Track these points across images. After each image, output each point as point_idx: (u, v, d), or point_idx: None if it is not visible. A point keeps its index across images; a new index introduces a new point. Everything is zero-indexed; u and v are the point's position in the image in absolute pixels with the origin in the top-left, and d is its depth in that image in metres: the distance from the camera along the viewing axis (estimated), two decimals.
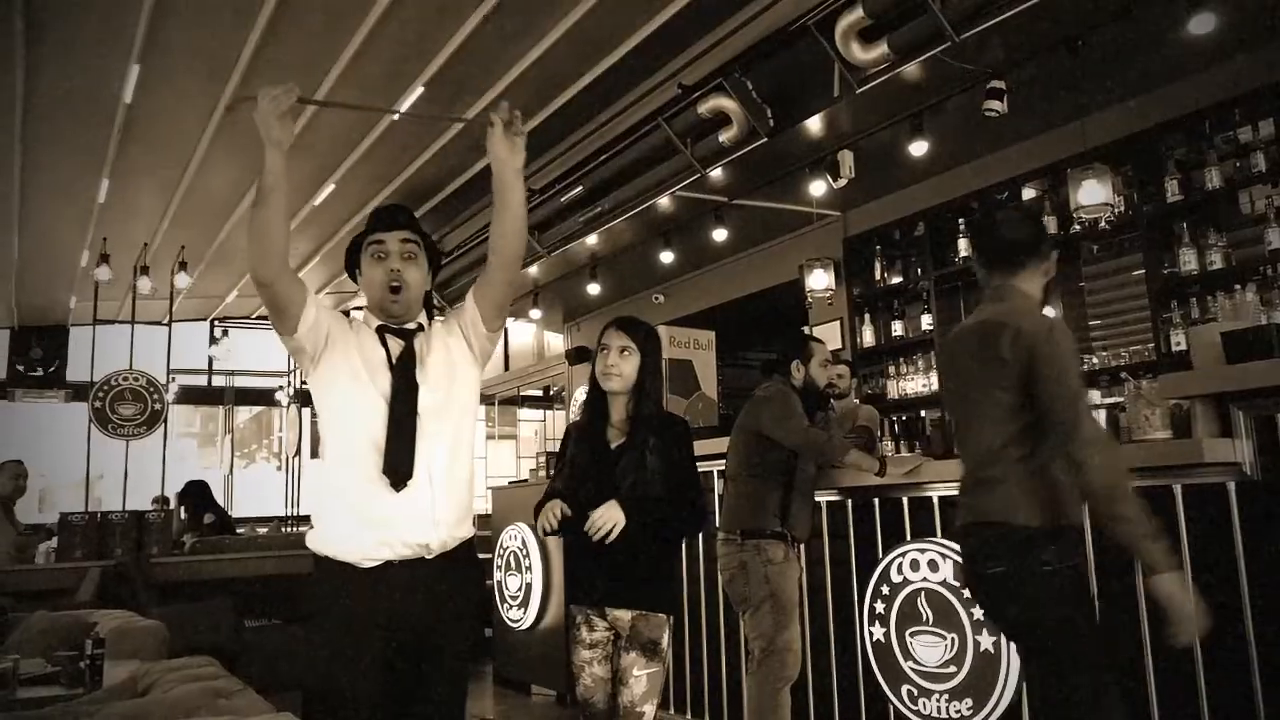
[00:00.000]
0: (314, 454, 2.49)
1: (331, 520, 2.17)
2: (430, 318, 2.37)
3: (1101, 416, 3.24)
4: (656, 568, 2.67)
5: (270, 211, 2.04)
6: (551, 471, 5.73)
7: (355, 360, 2.19)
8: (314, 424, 2.41)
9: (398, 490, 2.10)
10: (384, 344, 2.23)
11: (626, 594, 2.63)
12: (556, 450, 2.99)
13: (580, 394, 9.08)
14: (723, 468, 3.84)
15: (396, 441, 2.12)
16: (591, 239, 6.63)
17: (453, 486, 2.20)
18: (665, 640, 2.62)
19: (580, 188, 6.20)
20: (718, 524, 3.68)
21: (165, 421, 7.71)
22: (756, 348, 8.56)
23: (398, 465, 2.11)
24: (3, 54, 5.07)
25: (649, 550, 2.61)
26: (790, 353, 3.74)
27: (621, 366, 2.68)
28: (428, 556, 2.14)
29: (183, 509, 7.02)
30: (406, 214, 2.34)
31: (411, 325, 2.28)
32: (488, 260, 2.27)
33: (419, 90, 5.71)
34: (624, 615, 2.62)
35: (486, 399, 12.41)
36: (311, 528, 2.21)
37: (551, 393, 11.95)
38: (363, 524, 2.11)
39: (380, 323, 2.27)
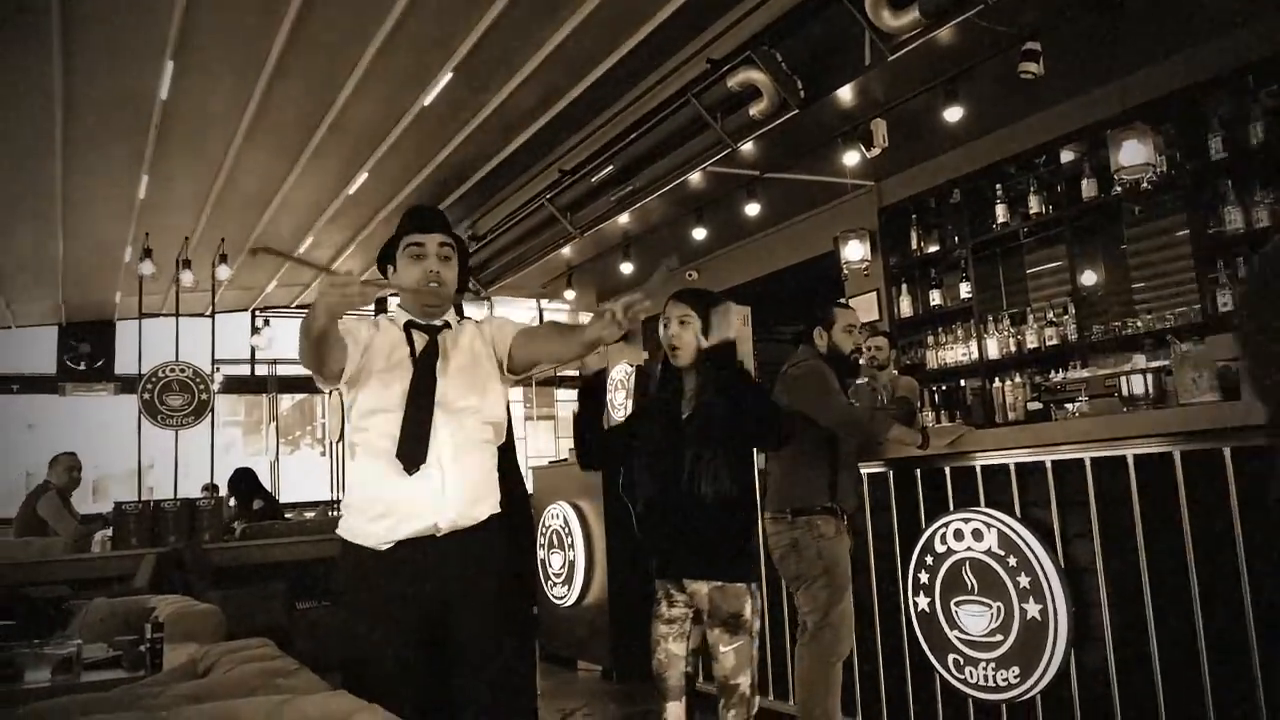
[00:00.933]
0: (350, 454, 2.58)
1: (353, 508, 2.31)
2: (461, 316, 2.54)
3: (1148, 380, 3.19)
4: (732, 536, 2.65)
5: (324, 348, 2.18)
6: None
7: (379, 364, 2.31)
8: (343, 425, 2.55)
9: (410, 474, 2.22)
10: (410, 340, 2.36)
11: (702, 564, 2.63)
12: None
13: (616, 372, 9.11)
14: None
15: (412, 427, 2.24)
16: (624, 218, 6.62)
17: (466, 470, 2.30)
18: (748, 611, 2.61)
19: (611, 167, 6.19)
20: (764, 503, 3.59)
21: (212, 411, 7.87)
22: (793, 322, 8.50)
23: (411, 451, 2.22)
24: (40, 56, 5.17)
25: (723, 519, 2.61)
26: (813, 320, 3.66)
27: (682, 336, 2.72)
28: (437, 535, 2.24)
29: (232, 497, 7.19)
30: (442, 218, 2.48)
31: (438, 322, 2.42)
32: (545, 337, 2.46)
33: (448, 76, 5.73)
34: (701, 589, 2.63)
35: (524, 380, 12.51)
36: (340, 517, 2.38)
37: (584, 374, 11.99)
38: (377, 507, 2.24)
39: (409, 318, 2.40)
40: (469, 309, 2.54)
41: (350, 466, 2.38)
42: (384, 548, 2.23)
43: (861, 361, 3.95)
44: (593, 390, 2.90)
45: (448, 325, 2.42)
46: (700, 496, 2.58)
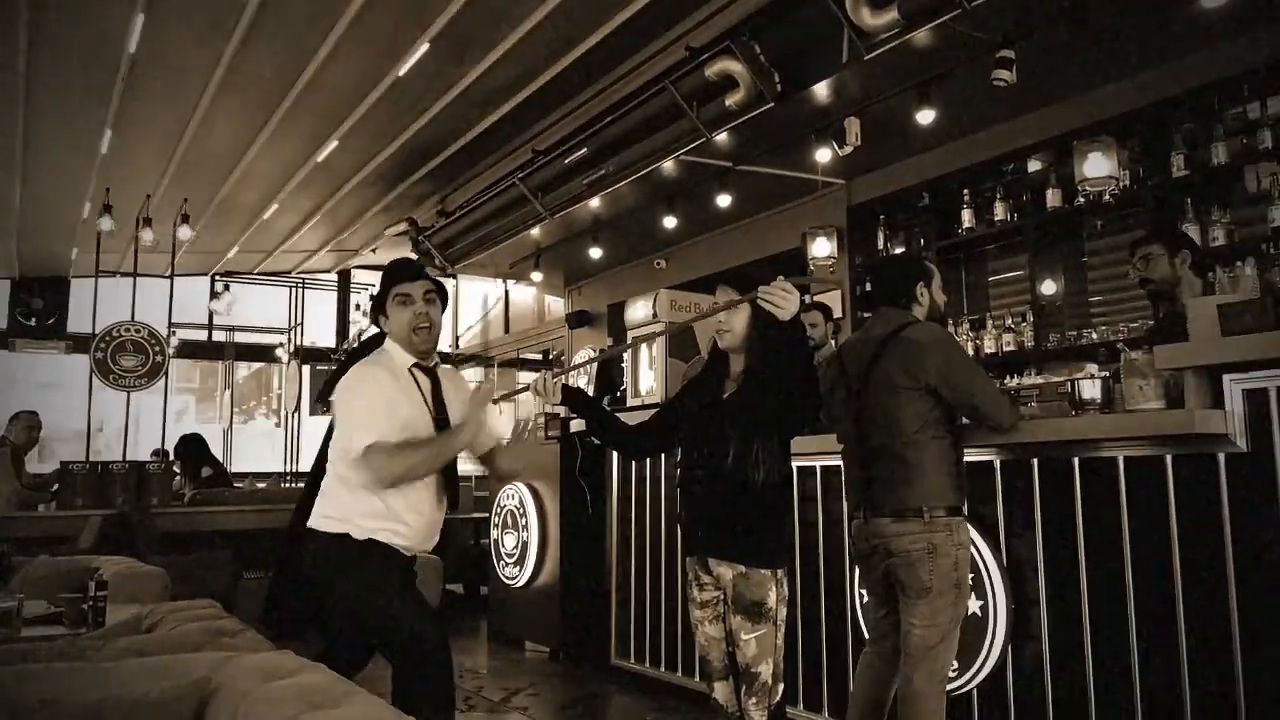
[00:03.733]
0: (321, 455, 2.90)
1: (394, 519, 2.70)
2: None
3: (1097, 387, 3.25)
4: (759, 519, 2.65)
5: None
6: (550, 433, 5.80)
7: (405, 413, 2.70)
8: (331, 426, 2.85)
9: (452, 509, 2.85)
10: (417, 382, 2.76)
11: (727, 545, 2.65)
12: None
13: (579, 356, 9.11)
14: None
15: (450, 471, 2.80)
16: (594, 202, 6.62)
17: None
18: (771, 599, 2.61)
19: (585, 149, 6.18)
20: (870, 501, 2.97)
21: (166, 374, 7.75)
22: None
23: (453, 496, 2.82)
24: (7, 2, 5.04)
25: (752, 501, 2.62)
26: (912, 276, 3.14)
27: (731, 321, 2.73)
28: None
29: (179, 462, 7.08)
30: (422, 266, 2.94)
31: (431, 363, 2.83)
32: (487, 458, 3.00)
33: (424, 46, 5.68)
34: (726, 574, 2.64)
35: (486, 360, 12.45)
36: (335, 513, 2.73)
37: (551, 356, 11.98)
38: (421, 524, 2.76)
39: (411, 361, 2.78)
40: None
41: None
42: (408, 553, 2.75)
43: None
44: (585, 408, 2.99)
45: (437, 364, 2.85)
46: (731, 476, 2.61)
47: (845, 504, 3.43)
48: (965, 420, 3.01)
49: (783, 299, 2.52)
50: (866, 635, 3.25)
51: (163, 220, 8.36)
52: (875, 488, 2.95)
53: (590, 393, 8.09)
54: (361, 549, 2.64)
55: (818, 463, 3.94)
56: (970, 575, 3.00)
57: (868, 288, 6.66)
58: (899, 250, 6.50)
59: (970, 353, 5.91)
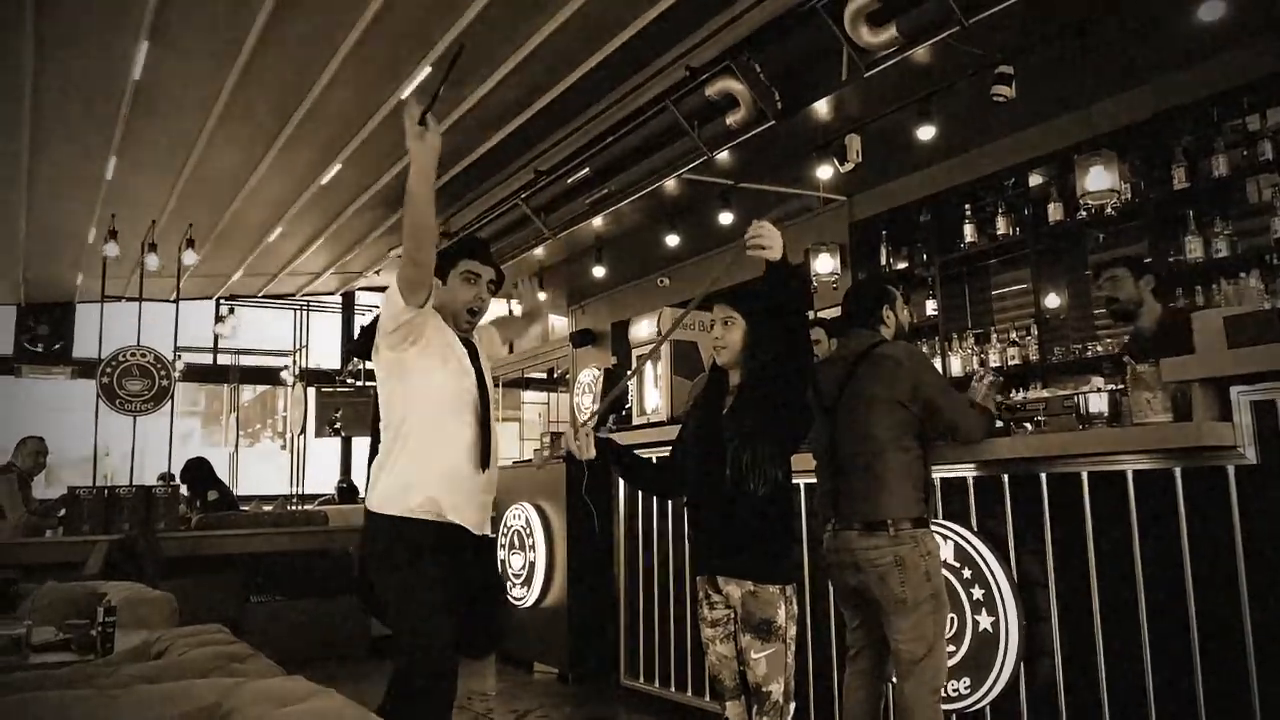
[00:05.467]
0: (374, 432, 2.78)
1: (422, 490, 2.66)
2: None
3: (1104, 400, 3.25)
4: (762, 533, 2.64)
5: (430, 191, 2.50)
6: (556, 453, 5.78)
7: (453, 351, 2.74)
8: (375, 399, 2.75)
9: (484, 470, 2.73)
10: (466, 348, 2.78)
11: (732, 562, 2.64)
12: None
13: (584, 376, 9.12)
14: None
15: (487, 429, 2.74)
16: (597, 221, 6.65)
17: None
18: (781, 618, 2.60)
19: (587, 169, 6.21)
20: (839, 512, 3.02)
21: (172, 398, 7.76)
22: None
23: (485, 451, 2.72)
24: (13, 29, 5.08)
25: (756, 516, 2.62)
26: (876, 298, 3.25)
27: (727, 337, 2.75)
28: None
29: (185, 486, 7.08)
30: (493, 253, 3.00)
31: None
32: None
33: (425, 70, 5.72)
34: (735, 592, 2.63)
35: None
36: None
37: (555, 375, 11.99)
38: (459, 491, 2.69)
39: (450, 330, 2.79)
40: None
41: (402, 438, 2.70)
42: (444, 525, 2.67)
43: None
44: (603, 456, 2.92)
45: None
46: (731, 491, 2.61)
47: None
48: (935, 434, 3.07)
49: (766, 239, 2.55)
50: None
51: (167, 245, 8.40)
52: (843, 500, 2.99)
53: (595, 412, 8.10)
54: (394, 526, 2.62)
55: None
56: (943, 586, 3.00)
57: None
58: (901, 266, 6.51)
59: (965, 367, 5.93)
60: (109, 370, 7.52)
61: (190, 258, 8.35)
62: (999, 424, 3.70)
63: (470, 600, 2.72)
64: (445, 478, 2.66)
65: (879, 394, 2.95)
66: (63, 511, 5.96)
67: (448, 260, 2.79)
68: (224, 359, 12.48)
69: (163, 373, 7.68)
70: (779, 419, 2.67)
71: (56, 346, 11.26)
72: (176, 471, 7.74)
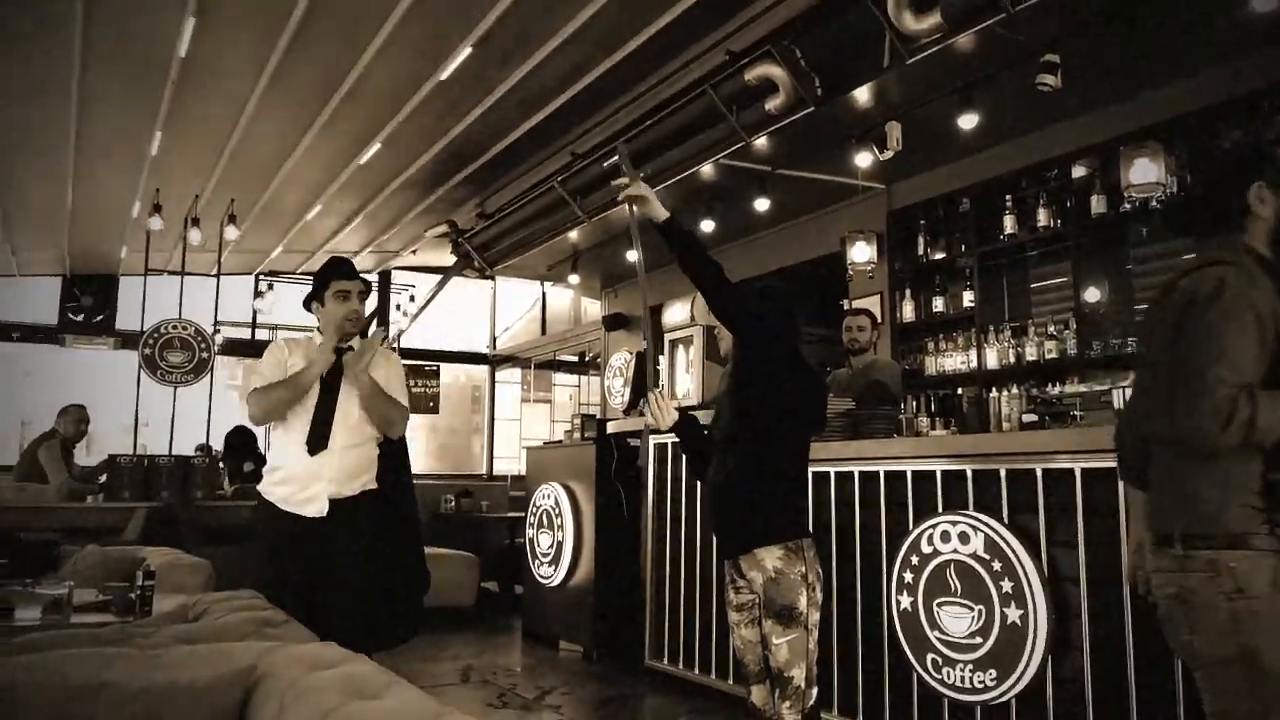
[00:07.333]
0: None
1: (272, 475, 3.42)
2: (364, 336, 3.46)
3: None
4: (747, 499, 2.73)
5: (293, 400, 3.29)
6: (586, 434, 5.82)
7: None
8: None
9: (313, 454, 3.25)
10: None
11: (736, 538, 2.76)
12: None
13: (615, 359, 9.14)
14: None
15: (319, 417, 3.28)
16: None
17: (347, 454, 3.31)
18: (802, 604, 2.65)
19: None
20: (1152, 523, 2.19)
21: (211, 371, 7.90)
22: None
23: (316, 438, 3.25)
24: (62, 4, 5.16)
25: (744, 490, 2.73)
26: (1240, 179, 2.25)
27: (724, 331, 2.97)
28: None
29: (226, 450, 7.22)
30: (354, 266, 3.49)
31: (345, 345, 3.39)
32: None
33: (467, 50, 5.73)
34: (758, 578, 2.69)
35: (523, 363, 12.51)
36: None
37: (587, 358, 12.02)
38: (296, 473, 3.30)
39: (333, 341, 3.34)
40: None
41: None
42: (289, 509, 3.37)
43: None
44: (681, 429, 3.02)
45: (351, 348, 3.39)
46: (715, 474, 2.79)
47: (883, 511, 3.47)
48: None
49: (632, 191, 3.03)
50: None
51: (210, 220, 8.52)
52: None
53: (627, 396, 8.11)
54: (262, 508, 3.32)
55: (855, 468, 3.92)
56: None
57: (907, 291, 6.61)
58: (939, 256, 6.45)
59: (1001, 360, 5.88)
60: (151, 342, 7.66)
61: (232, 233, 8.46)
62: (1033, 418, 3.68)
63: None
64: (284, 462, 3.33)
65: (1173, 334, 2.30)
66: (104, 478, 6.10)
67: (320, 284, 3.35)
68: (262, 334, 12.64)
69: (203, 346, 7.81)
70: (753, 425, 2.78)
71: (99, 318, 11.46)
72: (214, 444, 7.89)
